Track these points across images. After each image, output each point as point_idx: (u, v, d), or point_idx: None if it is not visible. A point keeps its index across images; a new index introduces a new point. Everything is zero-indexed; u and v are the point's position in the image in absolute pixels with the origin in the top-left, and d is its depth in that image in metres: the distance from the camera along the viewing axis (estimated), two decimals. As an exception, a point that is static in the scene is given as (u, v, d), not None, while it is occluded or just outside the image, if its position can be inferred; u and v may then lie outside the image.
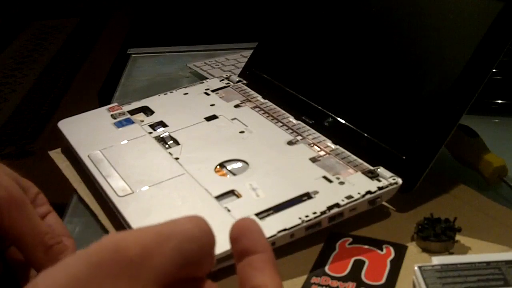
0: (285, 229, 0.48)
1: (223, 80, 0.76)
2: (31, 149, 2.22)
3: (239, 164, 0.58)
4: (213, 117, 0.67)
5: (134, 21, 2.56)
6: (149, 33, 2.06)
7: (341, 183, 0.53)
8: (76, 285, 0.26)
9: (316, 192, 0.52)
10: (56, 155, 0.66)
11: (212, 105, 0.70)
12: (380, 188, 0.52)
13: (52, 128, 0.95)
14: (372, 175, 0.54)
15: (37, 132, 2.34)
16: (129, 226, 0.50)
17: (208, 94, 0.73)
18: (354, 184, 0.53)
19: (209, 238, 0.29)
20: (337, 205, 0.50)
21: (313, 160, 0.57)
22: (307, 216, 0.49)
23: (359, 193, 0.51)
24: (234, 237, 0.30)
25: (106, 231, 0.54)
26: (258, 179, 0.55)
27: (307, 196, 0.52)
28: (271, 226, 0.48)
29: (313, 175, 0.54)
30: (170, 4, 2.10)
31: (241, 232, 0.30)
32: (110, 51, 2.48)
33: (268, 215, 0.50)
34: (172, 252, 0.28)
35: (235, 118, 0.66)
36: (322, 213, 0.50)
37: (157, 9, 2.20)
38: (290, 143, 0.60)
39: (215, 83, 0.76)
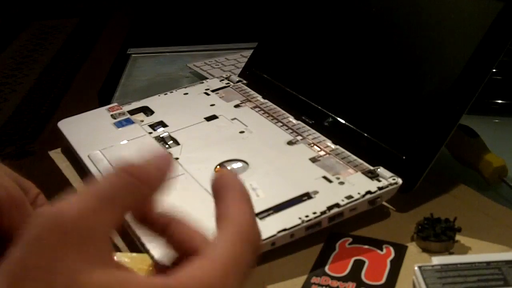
0: (285, 229, 0.48)
1: (223, 80, 0.76)
2: (31, 149, 2.22)
3: (239, 164, 0.58)
4: (213, 117, 0.67)
5: (134, 21, 2.56)
6: (149, 33, 2.06)
7: (341, 183, 0.53)
8: (22, 266, 0.25)
9: (316, 192, 0.52)
10: (56, 155, 0.66)
11: (212, 105, 0.70)
12: (380, 188, 0.52)
13: (52, 128, 0.95)
14: (372, 175, 0.54)
15: (37, 132, 2.34)
16: (128, 226, 0.50)
17: (208, 94, 0.73)
18: (354, 184, 0.53)
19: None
20: (337, 205, 0.50)
21: (313, 160, 0.57)
22: (307, 216, 0.49)
23: (359, 193, 0.51)
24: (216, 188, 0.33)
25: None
26: (258, 179, 0.55)
27: (307, 196, 0.52)
28: (271, 226, 0.48)
29: (313, 175, 0.54)
30: (170, 4, 2.09)
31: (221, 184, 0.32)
32: (110, 51, 2.48)
33: (268, 215, 0.50)
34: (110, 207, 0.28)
35: (235, 118, 0.66)
36: (322, 213, 0.50)
37: (157, 9, 2.20)
38: (290, 143, 0.60)
39: (215, 83, 0.76)
